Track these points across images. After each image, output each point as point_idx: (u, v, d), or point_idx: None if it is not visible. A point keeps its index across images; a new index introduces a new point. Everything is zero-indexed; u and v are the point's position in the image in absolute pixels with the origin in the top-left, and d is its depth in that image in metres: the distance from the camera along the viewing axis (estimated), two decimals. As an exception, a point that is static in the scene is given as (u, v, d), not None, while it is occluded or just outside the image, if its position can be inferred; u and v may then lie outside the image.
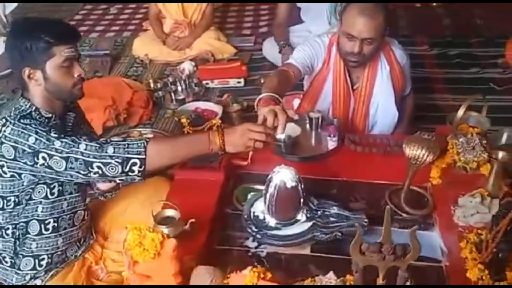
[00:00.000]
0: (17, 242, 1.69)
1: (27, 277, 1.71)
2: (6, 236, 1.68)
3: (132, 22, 4.70)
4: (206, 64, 3.66)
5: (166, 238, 1.31)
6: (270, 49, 3.63)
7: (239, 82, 3.47)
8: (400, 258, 0.93)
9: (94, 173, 1.52)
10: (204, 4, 3.82)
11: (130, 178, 1.55)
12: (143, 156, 1.51)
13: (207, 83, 3.46)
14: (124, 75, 3.71)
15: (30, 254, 1.70)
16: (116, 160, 1.51)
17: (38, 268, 1.71)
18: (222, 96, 3.29)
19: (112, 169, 1.51)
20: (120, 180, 1.58)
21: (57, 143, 1.51)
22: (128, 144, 1.52)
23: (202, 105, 3.08)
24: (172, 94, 3.29)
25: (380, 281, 0.96)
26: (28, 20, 1.65)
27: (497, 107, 1.94)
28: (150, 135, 2.73)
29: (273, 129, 1.61)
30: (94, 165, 1.51)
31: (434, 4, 4.55)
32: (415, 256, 0.95)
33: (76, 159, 1.50)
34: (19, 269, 1.70)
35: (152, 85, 3.45)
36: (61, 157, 1.50)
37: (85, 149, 1.51)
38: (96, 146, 1.52)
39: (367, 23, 1.99)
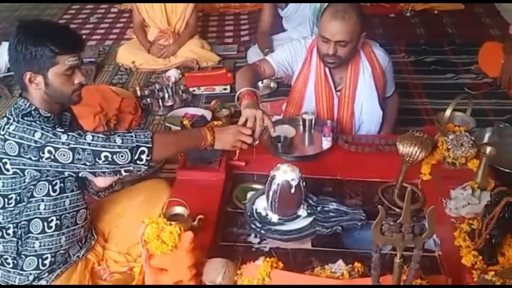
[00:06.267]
0: (20, 242, 1.68)
1: (31, 277, 1.71)
2: (7, 236, 1.68)
3: (113, 31, 4.72)
4: (192, 72, 3.72)
5: (183, 231, 1.36)
6: (255, 57, 3.68)
7: (225, 89, 3.53)
8: (417, 237, 1.01)
9: (102, 162, 1.53)
10: (188, 13, 3.87)
11: (137, 168, 1.57)
12: (151, 145, 1.56)
13: (193, 90, 3.51)
14: (109, 83, 3.72)
15: (33, 254, 1.70)
16: (125, 148, 1.54)
17: (42, 268, 1.71)
18: (209, 103, 3.35)
19: (122, 156, 1.54)
20: (126, 170, 1.58)
21: (64, 137, 1.52)
22: (136, 134, 1.57)
23: (191, 110, 3.13)
24: (160, 100, 3.33)
25: (397, 260, 1.04)
26: (35, 25, 1.64)
27: (472, 110, 2.05)
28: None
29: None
30: (102, 155, 1.52)
31: (408, 14, 4.72)
32: (431, 234, 1.03)
33: (84, 150, 1.52)
34: (22, 269, 1.70)
35: (139, 92, 3.48)
36: (68, 149, 1.51)
37: (92, 140, 1.53)
38: (103, 137, 1.54)
39: (339, 26, 2.07)
